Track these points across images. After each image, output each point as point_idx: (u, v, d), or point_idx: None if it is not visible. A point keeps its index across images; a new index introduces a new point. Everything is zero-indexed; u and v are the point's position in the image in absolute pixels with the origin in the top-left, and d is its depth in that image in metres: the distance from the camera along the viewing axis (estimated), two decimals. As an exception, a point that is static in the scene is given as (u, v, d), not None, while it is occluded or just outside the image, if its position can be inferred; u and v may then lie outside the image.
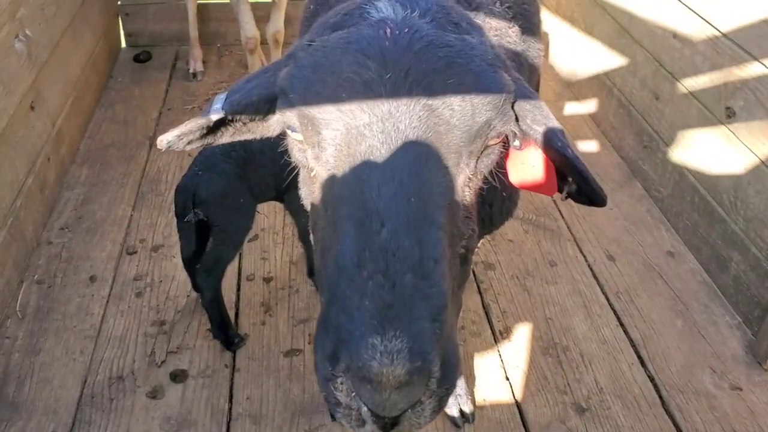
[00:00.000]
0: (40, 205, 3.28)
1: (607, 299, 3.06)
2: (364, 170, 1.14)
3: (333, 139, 1.19)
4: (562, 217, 3.54)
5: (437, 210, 1.14)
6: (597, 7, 4.27)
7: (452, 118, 1.17)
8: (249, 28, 3.97)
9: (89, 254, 3.20)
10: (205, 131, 1.39)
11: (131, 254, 3.21)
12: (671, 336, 2.89)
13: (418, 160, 1.14)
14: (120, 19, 5.01)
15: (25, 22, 3.20)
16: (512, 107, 1.26)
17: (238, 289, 3.06)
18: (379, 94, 1.15)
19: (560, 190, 1.36)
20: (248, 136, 1.43)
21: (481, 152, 1.24)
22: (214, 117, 1.33)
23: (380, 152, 1.13)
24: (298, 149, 1.28)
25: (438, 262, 1.10)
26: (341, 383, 1.05)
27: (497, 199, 1.88)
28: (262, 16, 4.28)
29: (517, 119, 1.29)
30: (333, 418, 2.51)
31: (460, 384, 2.54)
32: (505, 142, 1.30)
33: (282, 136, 1.42)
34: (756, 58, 2.82)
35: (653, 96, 3.63)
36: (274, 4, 4.07)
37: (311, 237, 1.40)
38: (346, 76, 1.17)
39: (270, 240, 3.32)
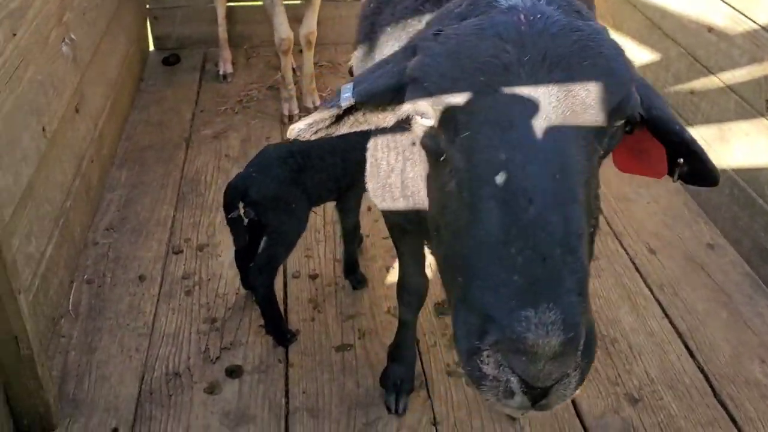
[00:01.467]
0: (85, 206, 3.32)
1: (651, 292, 3.09)
2: (508, 150, 1.17)
3: (471, 122, 1.22)
4: (601, 211, 3.56)
5: (579, 187, 1.18)
6: (626, 3, 4.30)
7: (588, 99, 1.20)
8: (283, 30, 4.00)
9: (136, 254, 3.24)
10: (332, 121, 1.43)
11: (177, 253, 3.25)
12: (717, 327, 2.92)
13: (559, 139, 1.18)
14: (148, 22, 5.05)
15: (71, 26, 3.24)
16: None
17: (285, 287, 3.09)
18: (518, 76, 1.19)
19: (670, 173, 1.39)
20: (364, 126, 1.46)
21: (611, 132, 1.28)
22: (345, 104, 1.38)
23: (523, 132, 1.17)
24: (428, 135, 1.31)
25: (581, 237, 1.15)
26: (488, 356, 1.08)
27: None
28: (291, 17, 4.31)
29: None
30: (389, 410, 2.55)
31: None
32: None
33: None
34: (799, 51, 2.85)
35: (688, 90, 3.66)
36: (308, 6, 4.10)
37: (430, 225, 1.43)
38: (485, 60, 1.21)
39: (312, 238, 3.36)
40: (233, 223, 2.71)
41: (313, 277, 3.15)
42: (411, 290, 2.38)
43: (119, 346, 2.78)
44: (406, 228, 2.11)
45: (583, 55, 1.20)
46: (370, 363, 2.74)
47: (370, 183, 2.02)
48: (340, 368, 2.73)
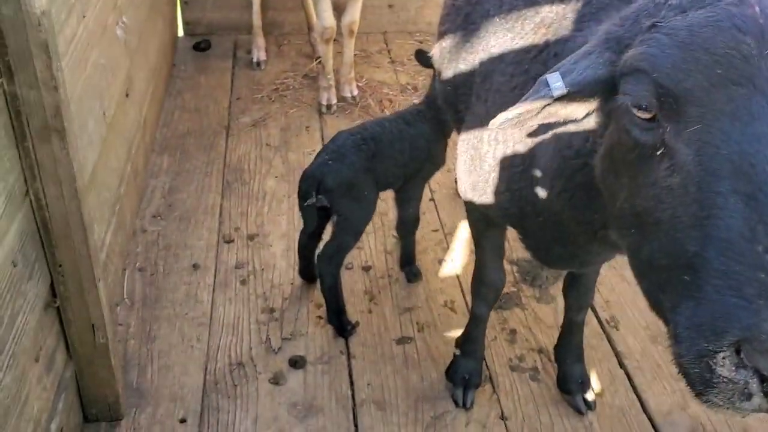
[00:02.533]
0: (134, 192, 3.29)
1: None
2: (751, 144, 1.14)
3: (706, 114, 1.19)
4: None
5: None
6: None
7: None
8: (327, 17, 3.96)
9: (186, 242, 3.21)
10: (539, 110, 1.41)
11: (228, 243, 3.23)
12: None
13: None
14: (179, 7, 5.00)
15: (123, 9, 3.20)
16: None
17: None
18: (759, 68, 1.16)
19: None
20: (554, 119, 1.44)
21: None
22: (557, 94, 1.36)
23: (754, 123, 1.14)
24: (643, 128, 1.28)
25: None
26: (723, 358, 1.07)
27: None
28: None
29: None
30: (457, 404, 2.54)
31: (581, 371, 2.57)
32: None
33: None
34: None
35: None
36: (352, -5, 4.07)
37: (625, 221, 1.40)
38: (723, 53, 1.17)
39: (362, 229, 3.34)
40: (307, 210, 2.70)
41: (366, 269, 3.14)
42: (489, 284, 2.37)
43: (179, 335, 2.76)
44: (496, 222, 2.10)
45: None
46: (431, 356, 2.74)
47: (467, 177, 2.01)
48: (402, 361, 2.72)
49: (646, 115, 1.26)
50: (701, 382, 1.12)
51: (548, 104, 1.38)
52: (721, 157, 1.16)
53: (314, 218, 2.71)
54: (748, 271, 1.07)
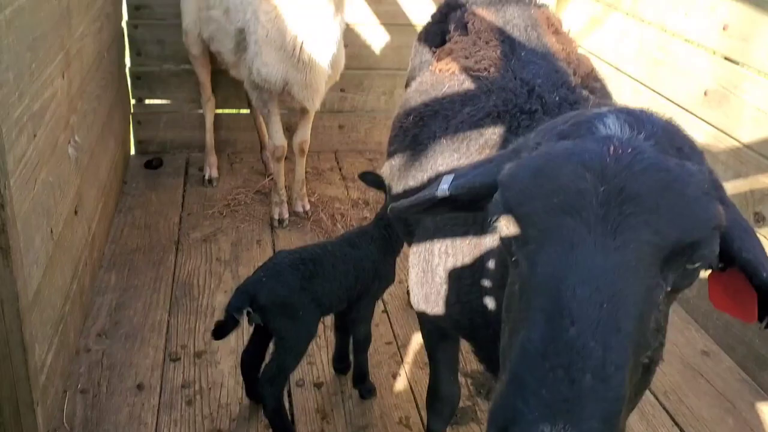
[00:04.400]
0: (79, 310, 3.20)
1: (657, 399, 3.11)
2: (563, 269, 1.20)
3: (539, 236, 1.25)
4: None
5: (627, 319, 1.18)
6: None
7: (656, 237, 1.22)
8: (278, 137, 4.07)
9: (131, 361, 3.11)
10: (428, 206, 1.53)
11: (174, 361, 3.14)
12: (726, 434, 2.95)
13: (615, 270, 1.19)
14: (132, 126, 5.07)
15: (75, 128, 3.23)
16: (721, 235, 1.29)
17: (290, 396, 3.00)
18: (590, 203, 1.22)
19: (761, 318, 1.38)
20: (461, 212, 1.56)
21: (682, 272, 1.28)
22: (440, 195, 1.47)
23: (581, 256, 1.20)
24: (504, 236, 1.35)
25: (619, 368, 1.15)
26: None
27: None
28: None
29: (726, 245, 1.32)
30: None
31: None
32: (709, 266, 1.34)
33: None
34: (784, 167, 3.05)
35: (670, 202, 3.83)
36: (303, 116, 4.20)
37: (503, 317, 1.46)
38: (562, 183, 1.25)
39: (313, 344, 3.28)
40: (227, 324, 2.63)
41: (318, 385, 3.07)
42: (444, 399, 2.34)
43: (121, 461, 2.62)
44: (450, 334, 2.11)
45: (663, 195, 1.23)
46: (386, 476, 2.65)
47: (419, 289, 2.03)
48: (356, 482, 2.62)
49: (505, 230, 1.34)
50: None
51: (435, 203, 1.50)
52: (540, 276, 1.23)
53: (223, 335, 2.64)
54: (534, 384, 1.12)
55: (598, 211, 1.22)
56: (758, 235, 3.11)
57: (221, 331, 2.65)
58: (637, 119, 1.32)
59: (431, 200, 1.49)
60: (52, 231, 2.76)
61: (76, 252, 3.19)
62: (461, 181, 1.46)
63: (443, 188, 1.46)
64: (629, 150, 1.27)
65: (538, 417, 1.09)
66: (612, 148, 1.27)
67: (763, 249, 1.34)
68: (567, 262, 1.21)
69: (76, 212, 3.22)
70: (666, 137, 1.32)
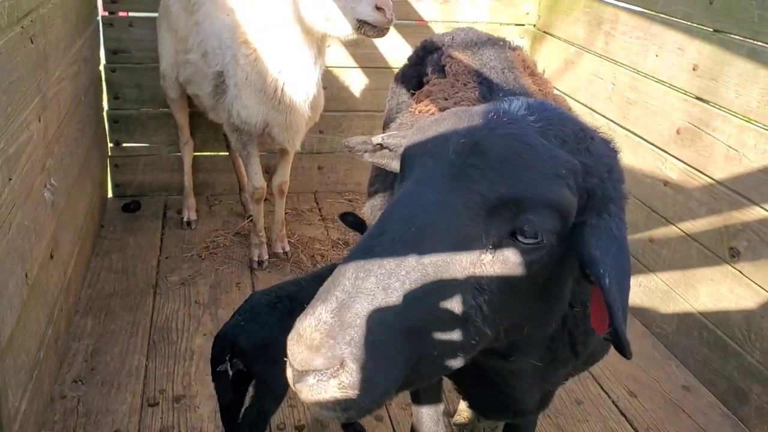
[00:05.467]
0: (54, 356, 3.14)
1: (640, 436, 3.11)
2: (404, 197, 1.40)
3: (406, 174, 1.50)
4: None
5: (428, 247, 1.32)
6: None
7: (485, 189, 1.34)
8: (258, 179, 4.07)
9: (108, 407, 3.04)
10: (371, 148, 1.87)
11: (152, 406, 3.07)
12: (710, 470, 2.94)
13: (439, 206, 1.35)
14: (109, 169, 5.05)
15: (52, 171, 3.21)
16: (580, 234, 1.39)
17: (271, 440, 2.95)
18: (447, 150, 1.41)
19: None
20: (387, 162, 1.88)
21: (514, 242, 1.37)
22: (375, 141, 1.84)
23: (421, 190, 1.38)
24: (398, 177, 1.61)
25: (403, 282, 1.30)
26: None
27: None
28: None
29: (583, 242, 1.39)
30: None
31: None
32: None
33: None
34: (756, 203, 3.11)
35: (647, 239, 3.88)
36: (282, 157, 4.21)
37: None
38: (436, 133, 1.47)
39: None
40: (220, 377, 2.58)
41: (299, 428, 3.03)
42: (427, 440, 2.32)
43: None
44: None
45: (510, 159, 1.36)
46: None
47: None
48: None
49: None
50: None
51: (370, 149, 1.86)
52: (392, 202, 1.45)
53: (228, 388, 2.54)
54: (328, 275, 1.38)
55: (451, 158, 1.39)
56: (733, 268, 3.16)
57: (221, 387, 2.59)
58: (539, 107, 1.48)
59: (370, 146, 1.85)
60: (27, 275, 2.72)
61: (51, 297, 3.14)
62: (387, 139, 1.82)
63: (377, 138, 1.82)
64: (505, 119, 1.43)
65: (315, 300, 1.35)
66: (492, 115, 1.45)
67: (621, 261, 1.39)
68: (409, 192, 1.40)
69: (51, 256, 3.18)
70: (557, 126, 1.44)
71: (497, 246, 1.36)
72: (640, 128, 3.99)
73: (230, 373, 2.53)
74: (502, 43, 2.86)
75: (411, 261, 1.31)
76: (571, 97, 4.65)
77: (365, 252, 1.33)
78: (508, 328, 1.47)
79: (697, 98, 3.53)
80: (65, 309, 3.40)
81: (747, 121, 3.21)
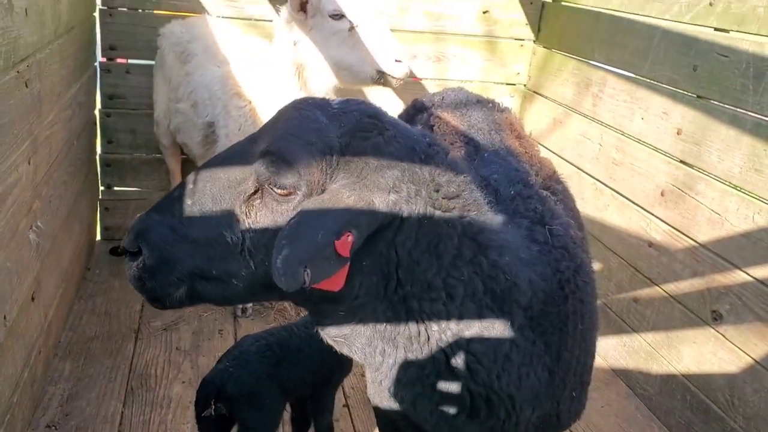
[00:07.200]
0: (29, 400, 3.09)
1: (621, 500, 3.06)
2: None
3: None
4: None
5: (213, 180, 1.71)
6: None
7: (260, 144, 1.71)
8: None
9: (80, 455, 2.99)
10: None
11: (126, 455, 3.02)
12: None
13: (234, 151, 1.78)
14: (99, 212, 5.06)
15: (38, 214, 3.21)
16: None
17: (245, 493, 2.89)
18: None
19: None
20: None
21: (269, 188, 1.65)
22: None
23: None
24: None
25: (178, 200, 1.72)
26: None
27: (565, 397, 1.95)
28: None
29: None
30: None
31: None
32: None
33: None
34: (738, 267, 3.13)
35: (631, 299, 3.89)
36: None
37: None
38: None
39: None
40: (203, 422, 2.57)
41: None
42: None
43: None
44: (402, 429, 2.07)
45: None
46: None
47: (370, 383, 2.01)
48: None
49: None
50: None
51: None
52: None
53: (212, 431, 2.56)
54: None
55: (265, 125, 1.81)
56: (716, 331, 3.15)
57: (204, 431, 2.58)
58: (354, 104, 1.74)
59: None
60: (5, 317, 2.70)
61: (30, 339, 3.12)
62: None
63: None
64: (308, 101, 1.78)
65: None
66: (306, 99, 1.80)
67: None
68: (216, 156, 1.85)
69: (33, 298, 3.16)
70: (353, 118, 1.71)
71: (261, 189, 1.65)
72: (625, 189, 4.03)
73: (213, 416, 2.52)
74: (491, 104, 2.93)
75: (199, 186, 1.70)
76: (559, 156, 4.71)
77: (197, 170, 1.75)
78: None
79: (681, 161, 3.58)
80: (43, 352, 3.36)
81: (730, 186, 3.26)
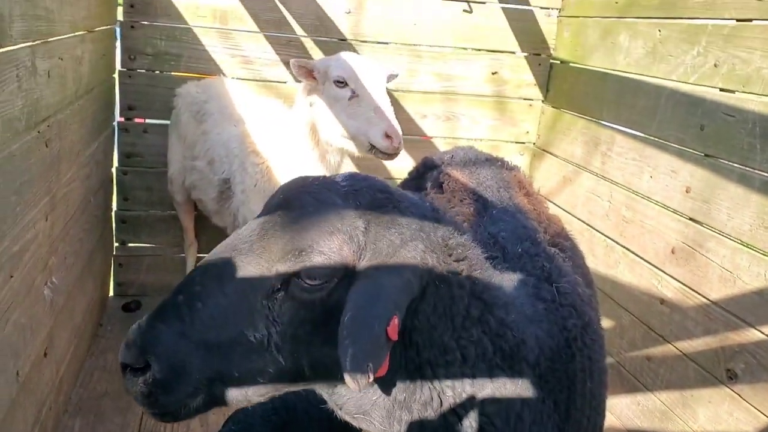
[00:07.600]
0: (38, 459, 3.08)
1: None
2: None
3: None
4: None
5: (220, 286, 1.59)
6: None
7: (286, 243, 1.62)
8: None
9: None
10: None
11: None
12: None
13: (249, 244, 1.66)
14: (113, 268, 5.10)
15: (54, 270, 3.26)
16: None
17: None
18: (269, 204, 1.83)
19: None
20: None
21: (297, 280, 1.59)
22: None
23: (237, 242, 1.68)
24: None
25: (188, 305, 1.59)
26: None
27: (580, 405, 1.91)
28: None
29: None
30: None
31: None
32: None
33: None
34: (752, 325, 3.11)
35: (644, 357, 3.85)
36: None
37: None
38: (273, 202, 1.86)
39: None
40: None
41: None
42: None
43: None
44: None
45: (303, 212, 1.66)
46: None
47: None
48: None
49: None
50: None
51: None
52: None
53: None
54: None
55: (270, 209, 1.78)
56: (731, 390, 3.13)
57: None
58: (362, 181, 1.78)
59: None
60: (18, 373, 2.71)
61: (41, 395, 3.12)
62: None
63: None
64: (315, 183, 1.75)
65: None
66: (310, 180, 1.77)
67: (366, 297, 1.56)
68: (228, 241, 1.74)
69: (45, 354, 3.18)
70: (367, 196, 1.71)
71: (287, 282, 1.59)
72: (636, 246, 4.04)
73: None
74: (499, 163, 2.98)
75: (209, 287, 1.59)
76: (570, 213, 4.74)
77: (194, 271, 1.66)
78: (312, 364, 1.65)
79: (691, 219, 3.60)
80: (54, 409, 3.36)
81: (740, 243, 3.26)
